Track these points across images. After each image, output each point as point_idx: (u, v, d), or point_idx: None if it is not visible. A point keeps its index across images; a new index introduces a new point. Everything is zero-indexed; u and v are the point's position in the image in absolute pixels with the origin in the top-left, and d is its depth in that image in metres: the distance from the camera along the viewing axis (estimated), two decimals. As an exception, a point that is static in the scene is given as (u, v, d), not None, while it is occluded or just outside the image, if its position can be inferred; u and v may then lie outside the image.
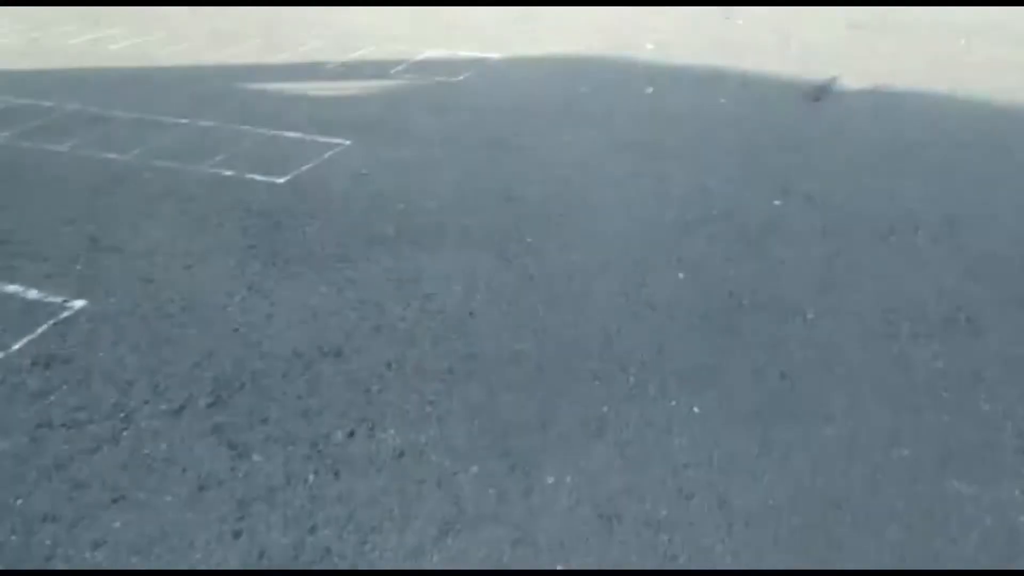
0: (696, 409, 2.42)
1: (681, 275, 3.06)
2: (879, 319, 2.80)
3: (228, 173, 3.97)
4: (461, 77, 5.15)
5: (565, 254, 3.22)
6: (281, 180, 3.88)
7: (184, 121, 4.61)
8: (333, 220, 3.53)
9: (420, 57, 5.51)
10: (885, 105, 4.60)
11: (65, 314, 2.95)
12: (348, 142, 4.26)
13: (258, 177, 3.92)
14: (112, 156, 4.21)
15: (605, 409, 2.42)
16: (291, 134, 4.39)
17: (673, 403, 2.44)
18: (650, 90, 4.81)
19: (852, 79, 4.90)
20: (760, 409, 2.42)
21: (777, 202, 3.54)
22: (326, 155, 4.13)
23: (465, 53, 5.58)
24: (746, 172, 3.84)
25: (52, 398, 2.54)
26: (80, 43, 6.13)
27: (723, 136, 4.23)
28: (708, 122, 4.39)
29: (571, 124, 4.40)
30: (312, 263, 3.20)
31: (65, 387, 2.58)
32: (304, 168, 4.00)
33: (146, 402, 2.51)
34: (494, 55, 5.51)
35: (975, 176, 3.78)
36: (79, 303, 3.01)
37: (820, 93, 4.71)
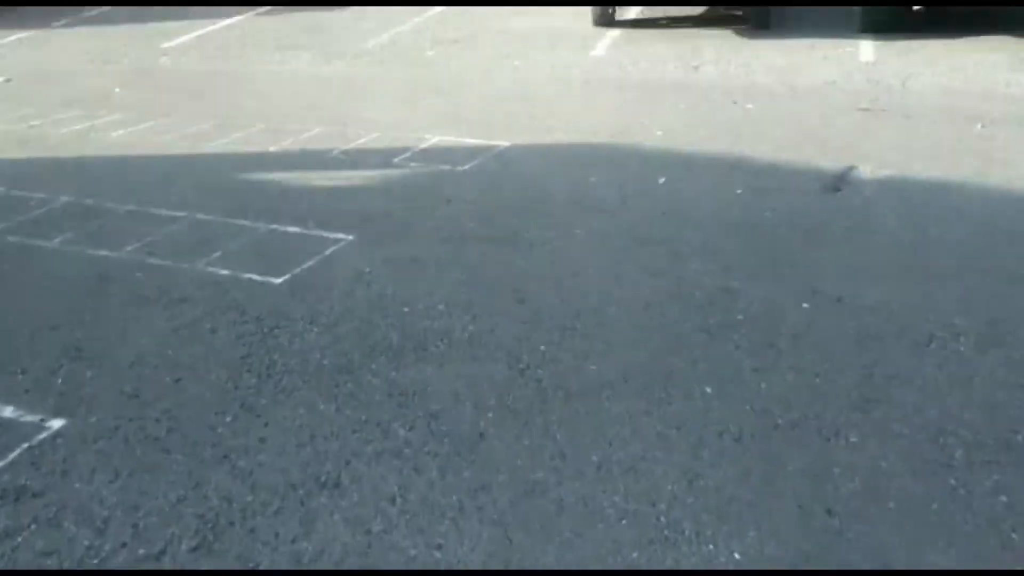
0: (737, 555, 2.16)
1: (708, 389, 2.83)
2: (929, 442, 2.55)
3: (224, 272, 3.78)
4: (467, 166, 5.01)
5: (582, 364, 2.99)
6: (279, 280, 3.69)
7: (181, 214, 4.44)
8: (333, 326, 3.32)
9: (425, 144, 5.39)
10: (907, 195, 4.44)
11: (41, 436, 2.72)
12: (350, 237, 4.08)
13: (255, 277, 3.72)
14: (103, 253, 4.03)
15: (635, 555, 2.16)
16: (291, 228, 4.21)
17: (711, 547, 2.18)
18: (663, 180, 4.66)
19: (869, 167, 4.76)
20: (809, 554, 2.16)
21: (806, 305, 3.33)
22: (327, 252, 3.95)
23: (471, 140, 5.46)
24: (770, 271, 3.65)
25: (19, 539, 2.29)
26: (80, 130, 6.03)
27: (743, 230, 4.05)
28: (726, 215, 4.22)
29: (583, 217, 4.23)
30: (310, 376, 2.98)
31: (34, 526, 2.33)
32: (304, 266, 3.80)
33: (123, 545, 2.26)
34: (501, 142, 5.38)
35: (1013, 273, 3.58)
36: (57, 423, 2.77)
37: (839, 183, 4.56)
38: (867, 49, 7.36)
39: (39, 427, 2.75)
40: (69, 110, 6.59)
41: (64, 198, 4.73)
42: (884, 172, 4.70)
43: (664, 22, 8.66)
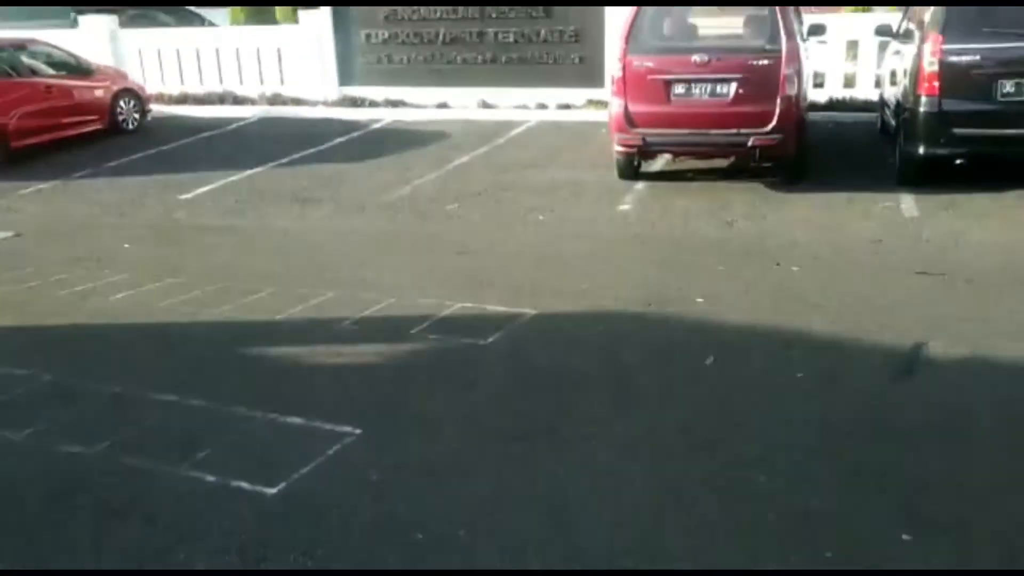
0: None
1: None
2: None
3: (210, 479, 3.25)
4: (491, 339, 4.55)
5: (638, 622, 2.39)
6: (272, 491, 3.15)
7: (171, 398, 3.97)
8: (331, 554, 2.75)
9: (445, 312, 4.95)
10: (993, 380, 3.90)
11: None
12: (358, 431, 3.56)
13: (245, 486, 3.19)
14: (75, 449, 3.52)
15: None
16: (292, 419, 3.71)
17: None
18: (710, 360, 4.15)
19: (941, 344, 4.24)
20: None
21: (906, 537, 2.73)
22: (330, 451, 3.42)
23: (494, 307, 5.03)
24: (853, 485, 3.07)
25: None
26: (80, 292, 5.69)
27: (811, 428, 3.50)
28: (789, 407, 3.68)
29: (623, 408, 3.71)
30: (298, 638, 2.39)
31: None
32: (302, 471, 3.27)
33: None
34: (528, 310, 4.94)
35: None
36: None
37: (910, 364, 4.03)
38: (908, 204, 7.00)
39: None
40: (73, 269, 6.29)
41: (47, 376, 4.29)
42: (959, 350, 4.17)
43: (691, 174, 8.42)
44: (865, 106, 10.72)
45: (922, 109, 6.95)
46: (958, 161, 7.42)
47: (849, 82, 11.15)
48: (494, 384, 4.02)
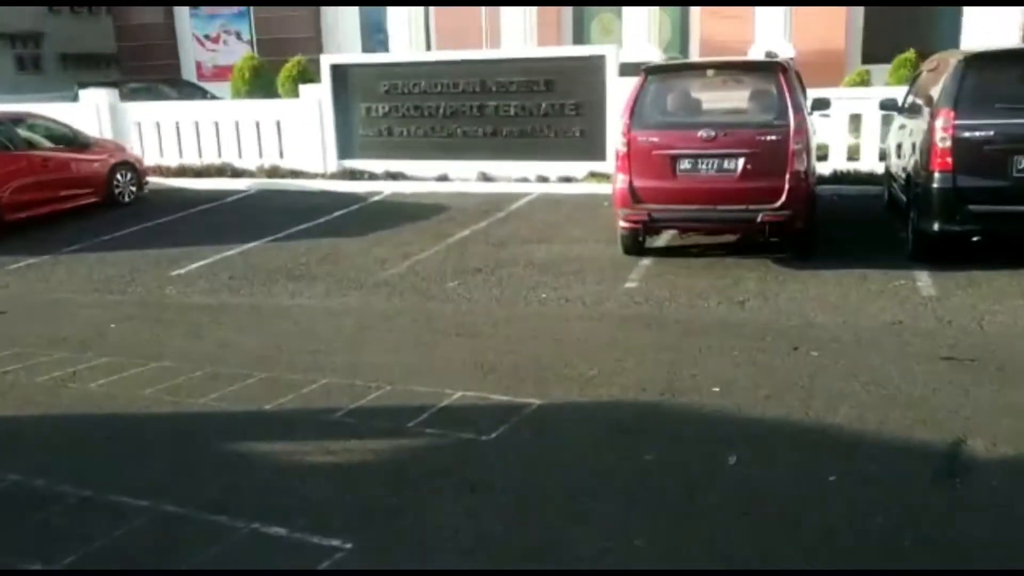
0: None
1: None
2: None
3: (180, 606, 2.90)
4: (495, 434, 4.23)
5: None
6: (250, 622, 2.80)
7: (145, 503, 3.63)
8: None
9: (445, 402, 4.64)
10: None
11: None
12: (348, 546, 3.22)
13: (219, 615, 2.83)
14: (34, 567, 3.17)
15: None
16: (275, 530, 3.37)
17: None
18: (733, 460, 3.83)
19: (982, 441, 3.93)
20: None
21: None
22: (319, 567, 3.07)
23: (498, 396, 4.72)
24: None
25: None
26: (59, 377, 5.38)
27: (854, 544, 3.16)
28: (826, 517, 3.34)
29: (643, 519, 3.37)
30: None
31: None
32: (285, 598, 2.92)
33: None
34: (533, 399, 4.64)
35: None
36: None
37: (951, 465, 3.71)
38: (925, 281, 6.76)
39: None
40: (55, 351, 6.00)
41: (12, 476, 3.96)
42: (1003, 449, 3.85)
43: (696, 250, 8.20)
44: (869, 179, 10.62)
45: (935, 185, 6.77)
46: (974, 238, 7.21)
47: (853, 154, 11.08)
48: (497, 488, 3.69)
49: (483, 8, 15.24)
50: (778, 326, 5.88)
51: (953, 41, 15.74)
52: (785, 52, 12.77)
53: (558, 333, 5.94)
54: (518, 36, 14.25)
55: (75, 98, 15.07)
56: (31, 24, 25.41)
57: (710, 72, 7.80)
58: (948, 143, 6.67)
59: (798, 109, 7.10)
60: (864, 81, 13.98)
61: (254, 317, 6.75)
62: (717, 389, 4.72)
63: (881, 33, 16.31)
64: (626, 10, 13.91)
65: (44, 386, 5.26)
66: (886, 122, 10.58)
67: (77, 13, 27.28)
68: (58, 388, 5.22)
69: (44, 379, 5.39)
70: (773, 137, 7.03)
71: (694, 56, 16.39)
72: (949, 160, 6.68)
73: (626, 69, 11.60)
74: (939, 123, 6.72)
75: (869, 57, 16.07)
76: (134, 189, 12.12)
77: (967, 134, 6.65)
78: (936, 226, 6.87)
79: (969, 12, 15.81)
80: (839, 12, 15.83)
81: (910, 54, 14.18)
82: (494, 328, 6.15)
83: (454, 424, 4.36)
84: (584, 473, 3.80)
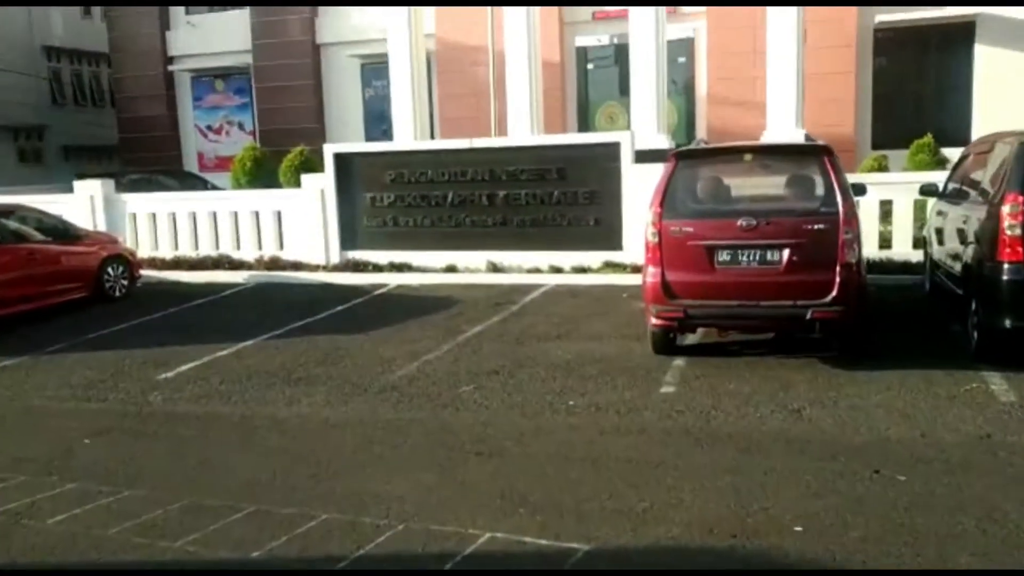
0: None
1: None
2: None
3: None
4: (534, 594, 3.41)
5: None
6: None
7: None
8: None
9: (469, 549, 3.84)
10: None
11: None
12: None
13: None
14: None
15: None
16: None
17: None
18: (845, 636, 3.01)
19: None
20: None
21: None
22: None
23: (533, 539, 3.91)
24: None
25: None
26: (12, 511, 4.60)
27: None
28: None
29: None
30: None
31: None
32: None
33: None
34: (578, 545, 3.83)
35: None
36: None
37: None
38: (1000, 385, 6.00)
39: None
40: (16, 473, 5.22)
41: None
42: None
43: (734, 347, 7.48)
44: (904, 267, 10.04)
45: (1006, 277, 6.11)
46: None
47: (885, 243, 10.51)
48: None
49: (491, 97, 14.94)
50: (847, 442, 5.10)
51: (965, 126, 15.48)
52: (797, 137, 12.37)
53: (594, 451, 5.15)
54: (524, 126, 13.90)
55: (69, 189, 14.62)
56: (34, 117, 25.38)
57: (747, 156, 7.24)
58: (1018, 231, 6.04)
59: (847, 195, 6.49)
60: (882, 167, 13.57)
61: (245, 431, 5.96)
62: (800, 529, 3.91)
63: (890, 119, 16.09)
64: (632, 98, 13.63)
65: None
66: (920, 208, 10.05)
67: (81, 105, 27.33)
68: (9, 527, 4.41)
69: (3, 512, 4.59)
70: (821, 226, 6.40)
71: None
72: (1020, 249, 6.03)
73: (638, 156, 11.16)
74: (1007, 209, 6.10)
75: (879, 143, 15.80)
76: (126, 283, 11.49)
77: (1040, 221, 6.04)
78: (1008, 322, 6.16)
79: (979, 98, 15.60)
80: (848, 98, 15.64)
81: (927, 139, 13.84)
82: (519, 445, 5.36)
83: (483, 580, 3.55)
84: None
